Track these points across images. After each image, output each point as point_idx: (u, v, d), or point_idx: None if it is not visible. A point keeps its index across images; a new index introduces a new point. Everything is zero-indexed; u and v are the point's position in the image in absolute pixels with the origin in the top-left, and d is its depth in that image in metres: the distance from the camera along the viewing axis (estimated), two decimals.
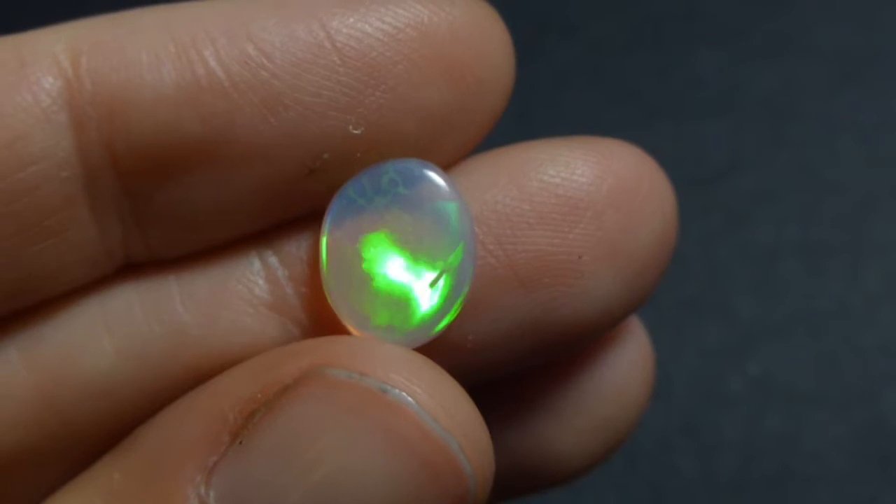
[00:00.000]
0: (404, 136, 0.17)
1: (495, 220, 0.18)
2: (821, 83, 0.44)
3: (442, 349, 0.17)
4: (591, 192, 0.18)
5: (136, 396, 0.18)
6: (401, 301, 0.17)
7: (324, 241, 0.17)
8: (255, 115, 0.16)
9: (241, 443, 0.15)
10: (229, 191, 0.17)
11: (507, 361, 0.18)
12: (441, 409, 0.15)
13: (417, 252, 0.17)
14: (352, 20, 0.17)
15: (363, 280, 0.17)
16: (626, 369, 0.21)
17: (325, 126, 0.17)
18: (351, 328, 0.17)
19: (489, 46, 0.18)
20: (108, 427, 0.18)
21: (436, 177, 0.17)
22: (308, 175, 0.17)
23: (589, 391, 0.21)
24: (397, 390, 0.15)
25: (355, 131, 0.17)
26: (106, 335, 0.18)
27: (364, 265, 0.17)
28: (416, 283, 0.17)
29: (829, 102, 0.43)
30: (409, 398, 0.15)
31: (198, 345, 0.18)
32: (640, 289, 0.19)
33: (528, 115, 0.43)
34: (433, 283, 0.17)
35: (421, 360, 0.16)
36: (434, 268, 0.17)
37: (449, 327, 0.17)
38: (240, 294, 0.18)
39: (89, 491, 0.16)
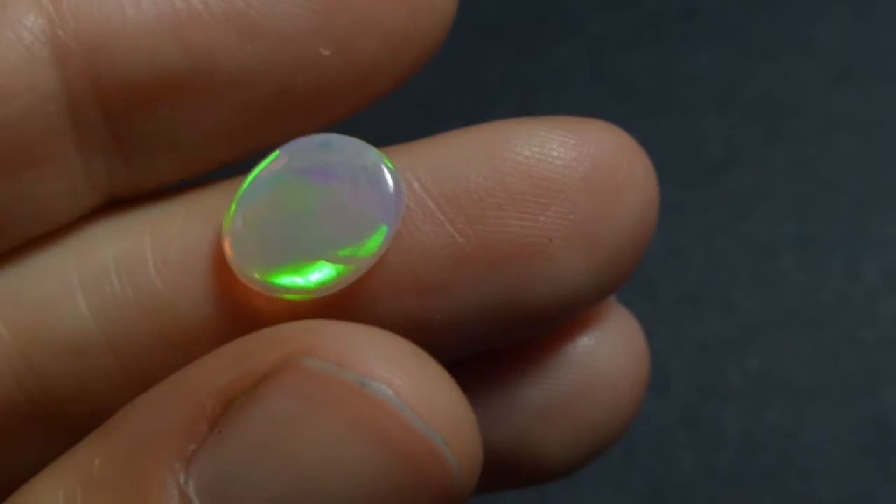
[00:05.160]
0: (368, 54, 0.18)
1: (466, 200, 0.17)
2: (819, 80, 0.44)
3: (408, 327, 0.17)
4: (565, 174, 0.17)
5: (109, 359, 0.18)
6: (305, 263, 0.17)
7: (240, 192, 0.17)
8: (234, 43, 0.17)
9: (219, 432, 0.15)
10: (209, 117, 0.18)
11: (475, 341, 0.18)
12: (424, 402, 0.15)
13: (333, 223, 0.17)
14: None
15: (275, 236, 0.17)
16: (618, 375, 0.21)
17: (298, 50, 0.17)
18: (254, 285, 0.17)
19: None
20: (81, 391, 0.18)
21: (372, 155, 0.17)
22: (281, 95, 0.18)
23: (576, 395, 0.20)
24: (377, 383, 0.15)
25: (325, 52, 0.17)
26: (81, 295, 0.18)
27: (277, 221, 0.17)
28: (326, 249, 0.17)
29: (826, 99, 0.43)
30: (390, 391, 0.15)
31: (168, 312, 0.17)
32: (614, 273, 0.18)
33: (528, 110, 0.43)
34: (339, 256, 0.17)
35: (405, 347, 0.15)
36: (349, 250, 0.17)
37: (415, 307, 0.17)
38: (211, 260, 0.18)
39: (70, 476, 0.16)
